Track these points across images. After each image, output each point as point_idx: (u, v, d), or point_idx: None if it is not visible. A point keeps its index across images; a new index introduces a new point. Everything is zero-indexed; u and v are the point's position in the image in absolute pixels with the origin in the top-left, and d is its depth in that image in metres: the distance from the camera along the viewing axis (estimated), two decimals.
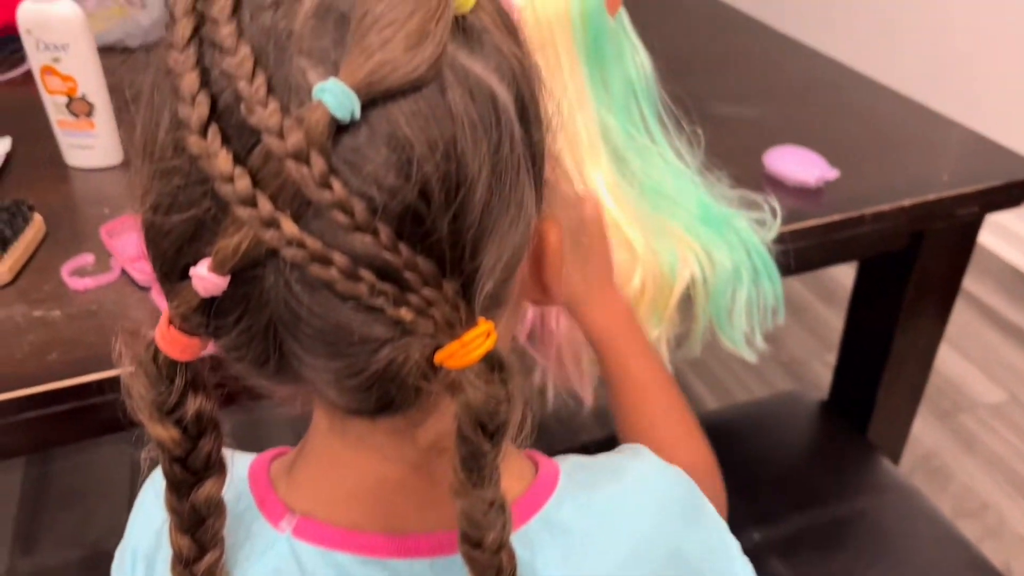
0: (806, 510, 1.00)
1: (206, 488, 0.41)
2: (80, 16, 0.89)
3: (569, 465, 0.48)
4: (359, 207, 0.32)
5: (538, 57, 0.41)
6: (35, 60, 0.91)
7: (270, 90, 0.32)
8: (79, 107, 0.92)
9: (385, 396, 0.37)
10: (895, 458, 1.26)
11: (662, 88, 0.84)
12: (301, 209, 0.33)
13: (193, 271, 0.34)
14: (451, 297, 0.35)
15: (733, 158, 0.89)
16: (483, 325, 0.36)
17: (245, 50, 0.33)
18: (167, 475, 0.41)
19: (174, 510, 0.42)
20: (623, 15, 0.84)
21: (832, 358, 1.27)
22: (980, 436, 1.73)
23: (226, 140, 0.33)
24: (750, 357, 0.83)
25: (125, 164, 0.97)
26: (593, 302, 0.68)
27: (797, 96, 1.14)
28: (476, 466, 0.36)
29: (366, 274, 0.33)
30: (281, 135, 0.32)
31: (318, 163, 0.32)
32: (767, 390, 1.82)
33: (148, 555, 0.49)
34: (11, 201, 0.82)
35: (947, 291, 1.07)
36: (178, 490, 0.41)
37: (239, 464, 0.48)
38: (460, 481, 0.37)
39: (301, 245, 0.32)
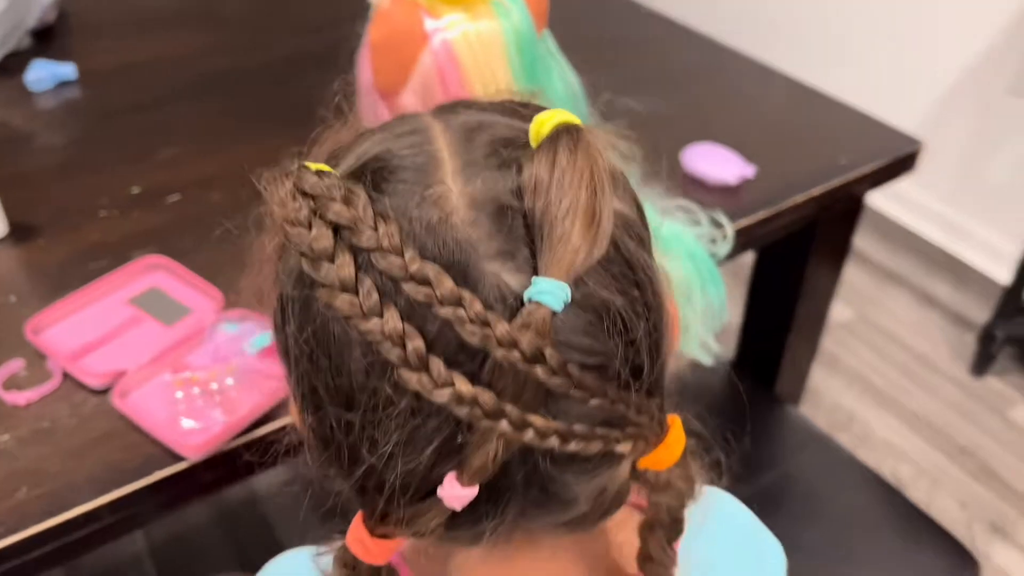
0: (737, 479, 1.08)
1: None
2: None
3: None
4: (590, 379, 0.33)
5: (475, 81, 0.42)
6: None
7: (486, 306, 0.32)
8: None
9: (595, 522, 0.40)
10: (795, 402, 1.37)
11: (591, 104, 0.85)
12: (540, 400, 0.33)
13: (444, 491, 0.34)
14: (656, 414, 0.36)
15: (647, 158, 0.92)
16: (675, 423, 0.38)
17: (436, 270, 0.32)
18: None
19: None
20: (548, 36, 0.84)
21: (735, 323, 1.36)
22: (839, 355, 1.91)
23: (450, 365, 0.32)
24: (707, 361, 0.87)
25: (14, 234, 0.87)
26: None
27: (691, 85, 1.17)
28: (676, 538, 0.41)
29: (601, 431, 0.34)
30: (513, 345, 0.32)
31: (554, 358, 0.32)
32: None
33: None
34: None
35: (839, 255, 1.17)
36: None
37: None
38: (664, 557, 0.41)
39: (553, 433, 0.33)
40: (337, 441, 0.36)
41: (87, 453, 0.66)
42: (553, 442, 0.33)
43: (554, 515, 0.37)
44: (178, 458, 0.66)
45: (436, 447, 0.34)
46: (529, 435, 0.33)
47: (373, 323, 0.32)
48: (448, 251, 0.33)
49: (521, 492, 0.35)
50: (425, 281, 0.32)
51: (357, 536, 0.37)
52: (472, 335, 0.32)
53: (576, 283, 0.33)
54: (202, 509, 1.53)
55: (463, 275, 0.33)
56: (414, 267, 0.32)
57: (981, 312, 1.97)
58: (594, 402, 0.33)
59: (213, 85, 1.16)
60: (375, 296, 0.32)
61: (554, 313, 0.32)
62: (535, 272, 0.33)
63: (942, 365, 1.90)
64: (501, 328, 0.32)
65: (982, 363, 1.85)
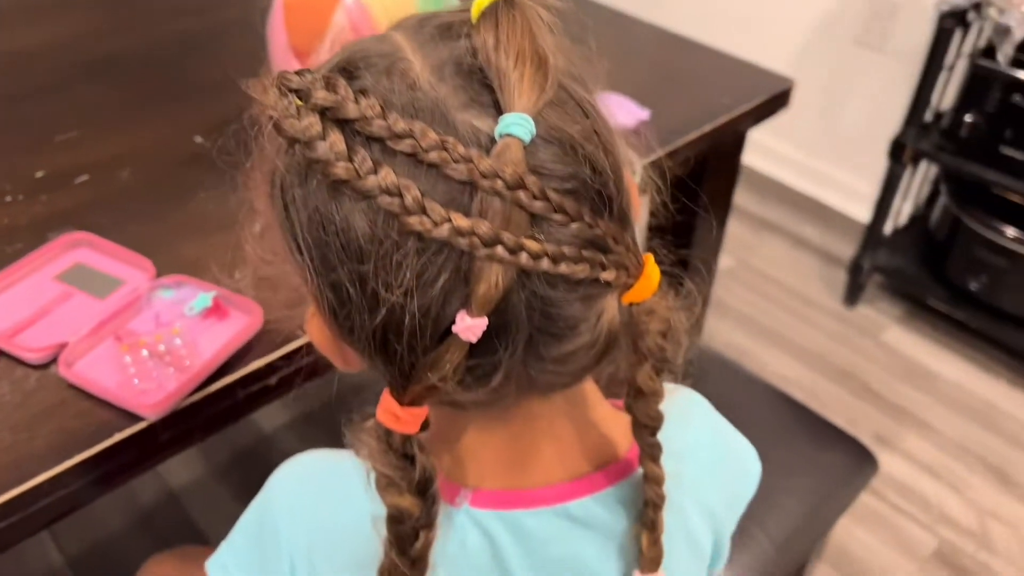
0: None
1: (427, 539, 0.43)
2: None
3: None
4: (567, 203, 0.38)
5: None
6: None
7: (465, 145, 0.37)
8: None
9: (591, 365, 0.43)
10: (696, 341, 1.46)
11: None
12: (527, 226, 0.37)
13: (458, 326, 0.37)
14: (631, 245, 0.41)
15: None
16: (649, 259, 0.43)
17: (420, 125, 0.37)
18: (400, 538, 0.43)
19: (394, 565, 0.43)
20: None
21: None
22: (726, 299, 2.03)
23: (444, 207, 0.37)
24: None
25: None
26: None
27: (583, 44, 1.23)
28: (663, 369, 0.45)
29: (587, 253, 0.39)
30: (496, 175, 0.36)
31: (533, 183, 0.37)
32: None
33: (309, 559, 0.51)
34: None
35: (725, 204, 1.26)
36: (402, 548, 0.43)
37: None
38: (653, 387, 0.46)
39: (544, 255, 0.37)
40: (355, 297, 0.39)
41: (38, 425, 0.65)
42: (545, 264, 0.37)
43: (561, 343, 0.41)
44: (135, 419, 0.66)
45: (444, 283, 0.37)
46: (523, 258, 0.37)
47: (371, 181, 0.37)
48: (422, 109, 0.38)
49: (526, 318, 0.39)
50: (410, 135, 0.37)
51: (386, 408, 0.41)
52: (459, 172, 0.36)
53: (537, 119, 0.38)
54: (118, 513, 1.49)
55: (441, 127, 0.37)
56: (399, 126, 0.37)
57: (847, 249, 2.14)
58: (574, 226, 0.38)
59: (105, 68, 1.13)
60: (369, 160, 0.37)
61: (524, 146, 0.37)
62: (500, 113, 0.37)
63: (818, 299, 2.05)
64: (484, 163, 0.36)
65: (853, 294, 2.01)
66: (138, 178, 0.93)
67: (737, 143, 1.19)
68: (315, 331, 0.46)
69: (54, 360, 0.69)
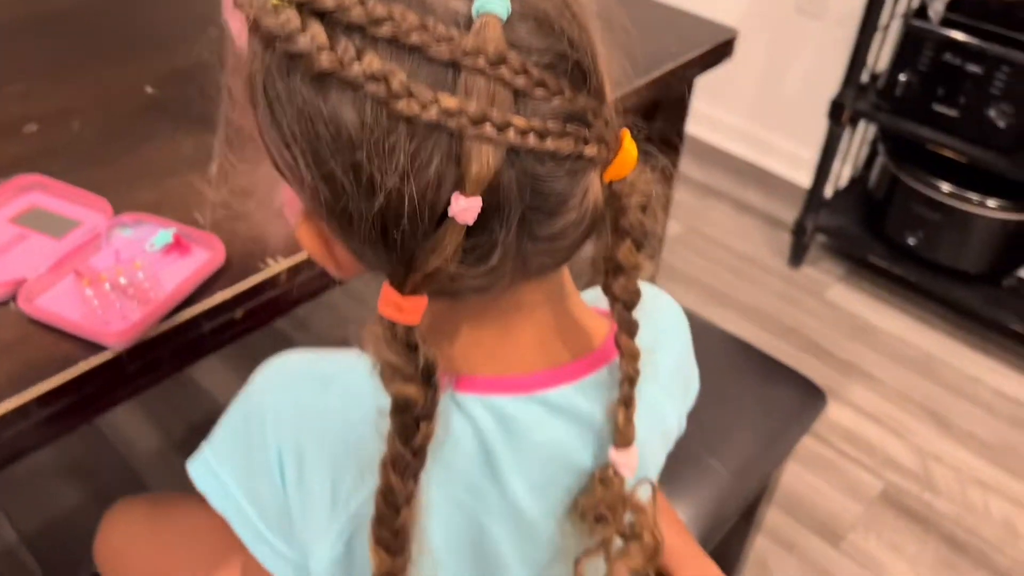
0: None
1: (427, 431, 0.45)
2: None
3: None
4: (548, 77, 0.39)
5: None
6: None
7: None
8: None
9: (579, 242, 0.45)
10: None
11: None
12: (511, 104, 0.38)
13: (454, 208, 0.38)
14: (609, 120, 0.42)
15: None
16: (626, 134, 0.44)
17: (399, 8, 0.37)
18: (404, 428, 0.44)
19: (398, 455, 0.44)
20: None
21: None
22: (675, 264, 2.07)
23: (431, 87, 0.37)
24: None
25: None
26: None
27: None
28: (644, 243, 0.47)
29: (570, 128, 0.40)
30: (478, 52, 0.37)
31: (514, 58, 0.38)
32: None
33: (297, 449, 0.51)
34: None
35: (676, 144, 1.28)
36: (407, 438, 0.44)
37: None
38: (633, 261, 0.47)
39: (531, 131, 0.38)
40: (351, 187, 0.40)
41: None
42: (532, 140, 0.39)
43: (552, 221, 0.42)
44: (100, 349, 0.66)
45: (437, 165, 0.38)
46: (511, 135, 0.38)
47: (355, 69, 0.37)
48: None
49: (518, 196, 0.40)
50: (390, 19, 0.37)
51: (388, 300, 0.42)
52: (442, 53, 0.37)
53: None
54: (74, 490, 1.47)
55: (419, 10, 0.38)
56: (377, 11, 0.37)
57: (791, 212, 2.20)
58: (556, 100, 0.39)
59: (52, 22, 1.11)
60: (351, 48, 0.37)
61: (502, 23, 0.38)
62: None
63: (764, 261, 2.11)
64: (467, 41, 0.37)
65: (797, 255, 2.07)
66: (89, 127, 0.91)
67: (686, 90, 1.22)
68: (306, 237, 0.47)
69: (13, 298, 0.69)
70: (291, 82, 0.39)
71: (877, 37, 1.80)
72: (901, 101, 1.80)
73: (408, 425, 0.44)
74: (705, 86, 1.56)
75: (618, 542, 0.54)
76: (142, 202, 0.80)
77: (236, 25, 0.83)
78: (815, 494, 1.57)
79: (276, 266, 0.75)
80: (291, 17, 0.38)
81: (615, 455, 0.52)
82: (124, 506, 0.87)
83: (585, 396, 0.52)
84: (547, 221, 0.42)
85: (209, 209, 0.79)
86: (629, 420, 0.51)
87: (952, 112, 1.74)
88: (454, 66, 0.38)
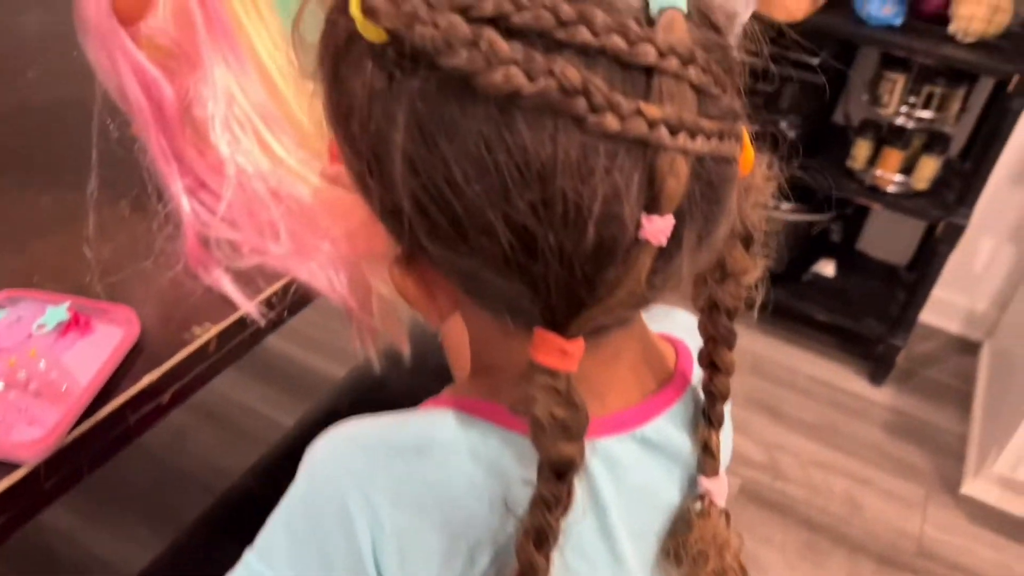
0: None
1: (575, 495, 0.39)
2: None
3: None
4: (722, 74, 0.35)
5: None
6: None
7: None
8: None
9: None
10: None
11: None
12: (694, 106, 0.34)
13: (646, 229, 0.33)
14: (742, 112, 0.39)
15: None
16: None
17: (588, 7, 0.32)
18: (556, 495, 0.38)
19: (543, 528, 0.38)
20: None
21: None
22: None
23: (629, 96, 0.32)
24: None
25: None
26: None
27: None
28: (751, 244, 0.44)
29: (736, 128, 0.37)
30: (672, 51, 0.33)
31: (701, 56, 0.34)
32: None
33: (397, 533, 0.43)
34: None
35: None
36: (552, 506, 0.38)
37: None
38: (744, 265, 0.44)
39: (716, 134, 0.34)
40: (533, 224, 0.33)
41: None
42: (714, 144, 0.34)
43: (719, 229, 0.38)
44: (12, 467, 0.51)
45: (632, 183, 0.33)
46: (699, 142, 0.33)
47: (547, 83, 0.31)
48: None
49: (699, 206, 0.35)
50: (582, 19, 0.32)
51: (551, 347, 0.35)
52: (642, 54, 0.32)
53: None
54: None
55: (606, 9, 0.33)
56: (564, 11, 0.31)
57: None
58: (725, 99, 0.35)
59: None
60: (538, 57, 0.31)
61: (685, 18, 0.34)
62: None
63: None
64: (660, 38, 0.33)
65: None
66: None
67: None
68: (404, 282, 0.40)
69: None
70: (454, 108, 0.32)
71: None
72: None
73: (560, 491, 0.37)
74: None
75: None
76: (7, 273, 0.64)
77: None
78: None
79: (205, 333, 0.63)
80: (456, 23, 0.30)
81: (708, 484, 0.48)
82: None
83: (675, 426, 0.48)
84: (716, 230, 0.38)
85: (97, 274, 0.65)
86: (720, 444, 0.47)
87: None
88: (647, 70, 0.32)
